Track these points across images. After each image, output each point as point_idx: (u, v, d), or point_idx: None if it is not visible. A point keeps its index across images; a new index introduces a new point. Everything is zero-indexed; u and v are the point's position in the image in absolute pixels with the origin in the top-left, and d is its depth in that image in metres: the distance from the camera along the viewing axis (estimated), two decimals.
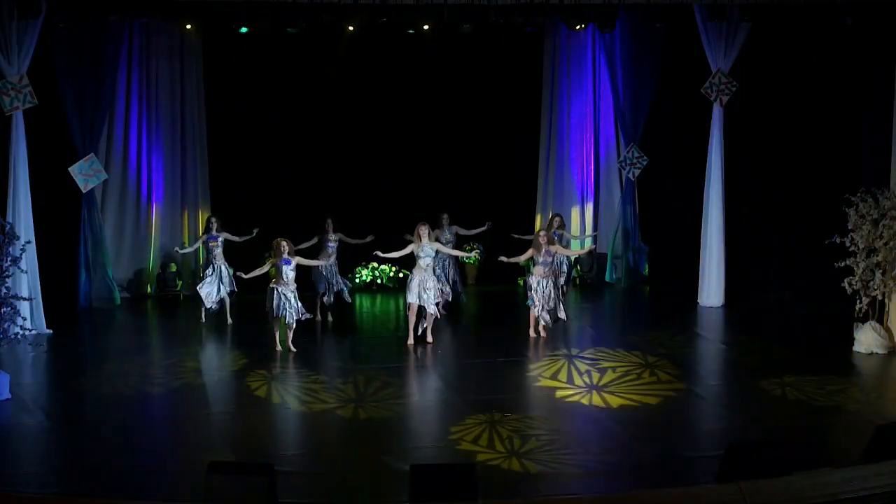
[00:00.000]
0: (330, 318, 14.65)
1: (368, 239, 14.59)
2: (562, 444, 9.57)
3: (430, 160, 17.31)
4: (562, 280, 14.50)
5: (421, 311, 13.25)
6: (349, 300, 14.94)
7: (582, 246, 16.87)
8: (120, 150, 16.28)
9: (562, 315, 13.65)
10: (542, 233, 13.81)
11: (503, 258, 13.62)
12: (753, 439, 8.90)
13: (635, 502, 7.00)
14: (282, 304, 12.67)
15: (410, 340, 13.22)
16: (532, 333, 13.55)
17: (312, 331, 13.84)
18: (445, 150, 17.38)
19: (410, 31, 16.21)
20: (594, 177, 18.00)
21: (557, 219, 15.35)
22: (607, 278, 17.64)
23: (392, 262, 14.98)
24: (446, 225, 15.28)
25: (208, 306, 14.42)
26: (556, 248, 13.82)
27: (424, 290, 13.10)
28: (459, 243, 16.04)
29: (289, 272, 12.75)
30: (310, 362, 12.51)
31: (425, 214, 14.37)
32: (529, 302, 13.50)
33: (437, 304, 13.30)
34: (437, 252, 13.55)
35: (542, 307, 13.42)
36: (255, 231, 14.73)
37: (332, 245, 14.55)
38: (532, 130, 17.88)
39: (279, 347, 12.75)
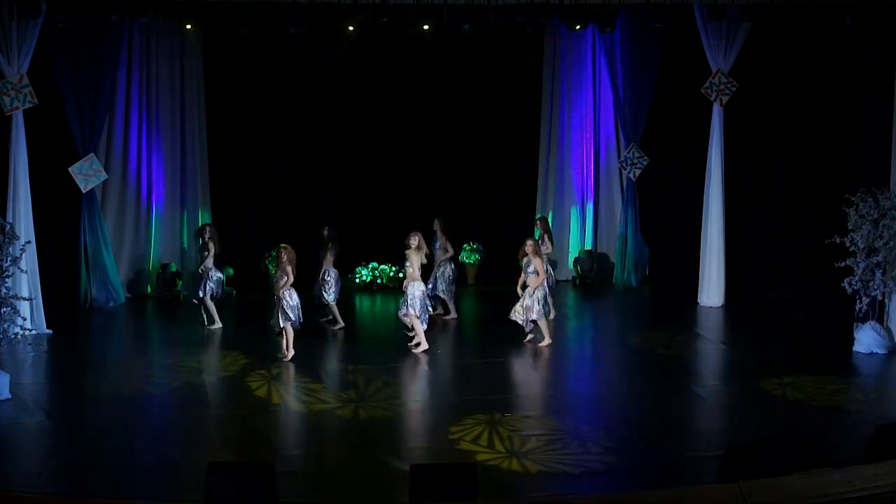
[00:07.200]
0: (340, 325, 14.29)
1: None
2: (562, 444, 9.57)
3: (430, 160, 17.32)
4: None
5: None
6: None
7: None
8: (120, 150, 16.27)
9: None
10: (529, 242, 13.20)
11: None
12: (753, 439, 8.89)
13: (635, 502, 6.98)
14: (293, 308, 12.60)
15: (425, 346, 12.85)
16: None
17: (313, 331, 13.80)
18: (445, 150, 17.38)
19: (410, 31, 16.21)
20: (594, 177, 17.99)
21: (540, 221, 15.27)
22: (608, 278, 17.65)
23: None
24: (439, 232, 14.61)
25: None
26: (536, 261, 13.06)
27: (419, 298, 12.82)
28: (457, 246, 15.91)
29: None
30: (310, 362, 12.49)
31: (425, 214, 14.36)
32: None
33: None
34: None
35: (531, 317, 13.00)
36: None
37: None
38: (532, 130, 17.87)
39: (288, 352, 12.50)
